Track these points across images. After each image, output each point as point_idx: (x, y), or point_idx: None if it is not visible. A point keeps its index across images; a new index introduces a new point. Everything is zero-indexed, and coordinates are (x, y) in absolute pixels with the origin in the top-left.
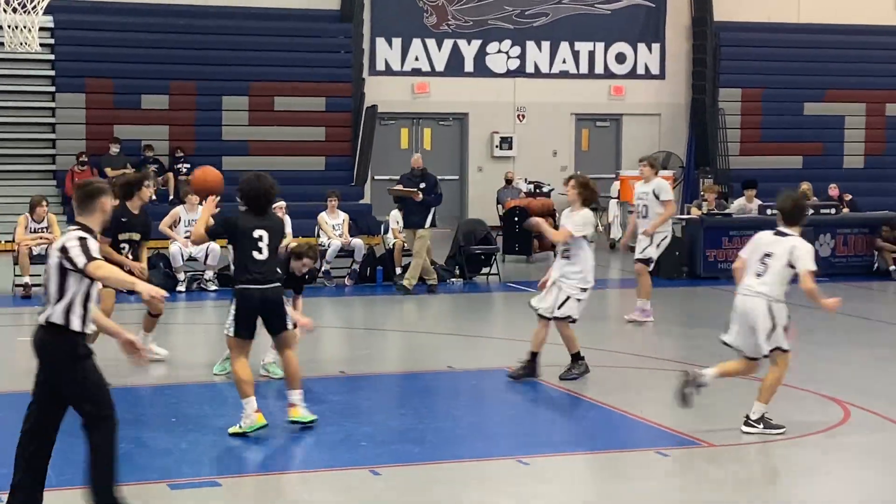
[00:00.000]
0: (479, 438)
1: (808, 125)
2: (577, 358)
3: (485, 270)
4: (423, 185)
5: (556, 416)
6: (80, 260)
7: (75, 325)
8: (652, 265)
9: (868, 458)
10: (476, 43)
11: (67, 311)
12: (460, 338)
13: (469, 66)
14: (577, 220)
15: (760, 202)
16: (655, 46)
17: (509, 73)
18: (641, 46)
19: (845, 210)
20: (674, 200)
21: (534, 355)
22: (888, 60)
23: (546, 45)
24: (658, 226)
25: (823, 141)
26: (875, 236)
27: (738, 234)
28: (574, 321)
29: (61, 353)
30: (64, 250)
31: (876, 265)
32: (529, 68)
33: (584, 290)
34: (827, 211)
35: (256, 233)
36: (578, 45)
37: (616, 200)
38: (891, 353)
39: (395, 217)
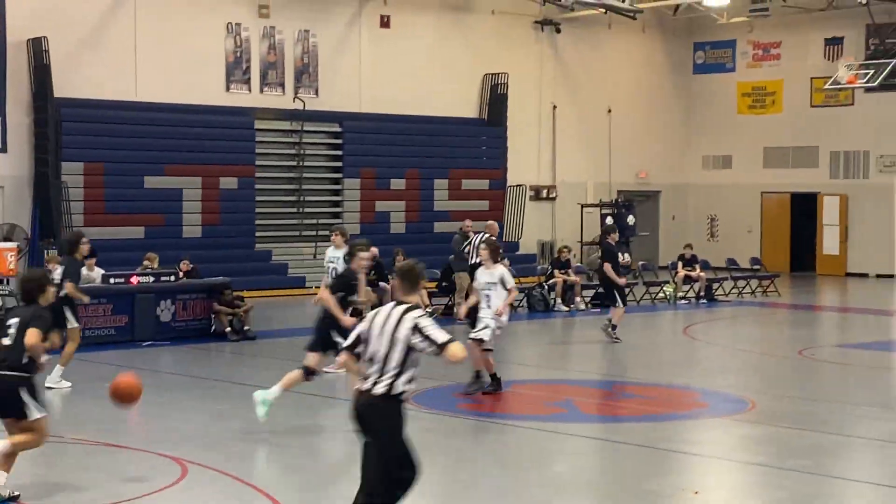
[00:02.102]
0: None
1: (150, 197)
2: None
3: None
4: None
5: None
6: (441, 339)
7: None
8: None
9: None
10: None
11: (407, 381)
12: None
13: None
14: None
15: (103, 271)
16: None
17: None
18: None
19: (184, 278)
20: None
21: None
22: (220, 137)
23: None
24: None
25: (164, 212)
26: (212, 300)
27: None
28: None
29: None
30: (418, 329)
31: (213, 327)
32: None
33: None
34: (167, 278)
35: None
36: None
37: None
38: (230, 408)
39: None
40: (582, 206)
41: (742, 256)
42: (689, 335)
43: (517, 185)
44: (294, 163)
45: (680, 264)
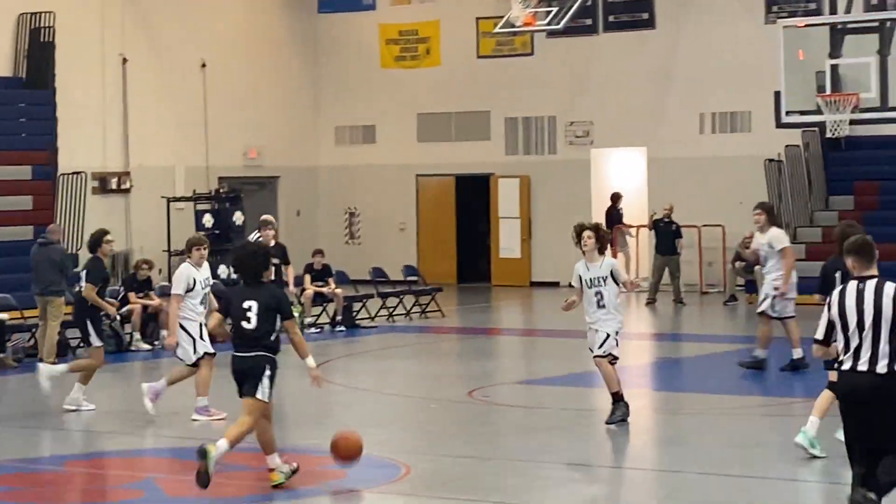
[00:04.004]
0: None
1: None
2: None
3: None
4: None
5: None
6: None
7: None
8: None
9: None
10: None
11: None
12: None
13: None
14: None
15: None
16: None
17: None
18: None
19: None
20: None
21: None
22: None
23: None
24: None
25: None
26: None
27: None
28: None
29: None
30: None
31: None
32: None
33: None
34: None
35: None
36: None
37: None
38: None
39: None
40: (169, 201)
41: (393, 265)
42: (322, 376)
43: (74, 173)
44: None
45: (308, 278)
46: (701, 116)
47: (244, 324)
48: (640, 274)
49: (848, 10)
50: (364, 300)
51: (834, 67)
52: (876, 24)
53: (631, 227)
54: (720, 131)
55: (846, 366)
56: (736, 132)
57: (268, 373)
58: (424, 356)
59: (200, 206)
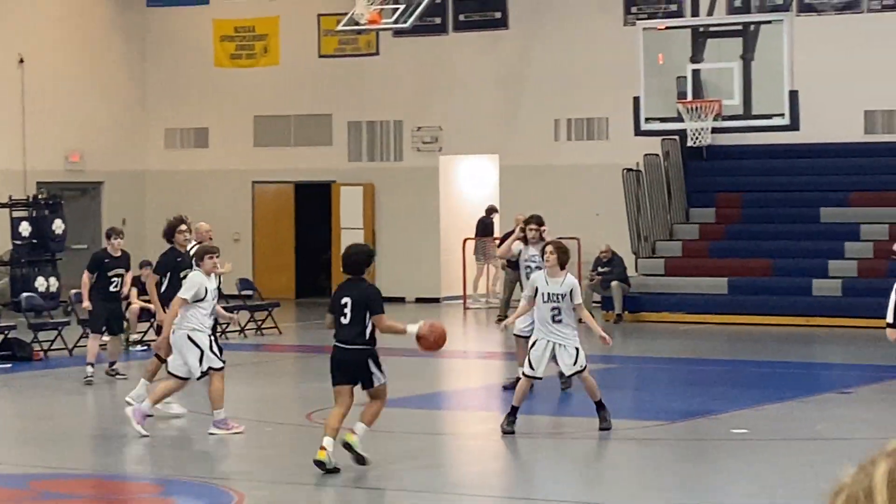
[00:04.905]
0: None
1: None
2: None
3: None
4: None
5: None
6: None
7: None
8: None
9: None
10: None
11: None
12: None
13: None
14: None
15: None
16: None
17: None
18: None
19: None
20: None
21: None
22: None
23: None
24: None
25: None
26: None
27: None
28: None
29: None
30: None
31: None
32: None
33: None
34: None
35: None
36: None
37: None
38: None
39: None
40: None
41: (227, 278)
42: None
43: None
44: None
45: (134, 292)
46: (556, 123)
47: (342, 319)
48: (490, 290)
49: (710, 13)
50: None
51: (695, 72)
52: (739, 27)
53: (487, 238)
54: (576, 138)
55: None
56: (593, 139)
57: (371, 361)
58: (260, 376)
59: (17, 213)
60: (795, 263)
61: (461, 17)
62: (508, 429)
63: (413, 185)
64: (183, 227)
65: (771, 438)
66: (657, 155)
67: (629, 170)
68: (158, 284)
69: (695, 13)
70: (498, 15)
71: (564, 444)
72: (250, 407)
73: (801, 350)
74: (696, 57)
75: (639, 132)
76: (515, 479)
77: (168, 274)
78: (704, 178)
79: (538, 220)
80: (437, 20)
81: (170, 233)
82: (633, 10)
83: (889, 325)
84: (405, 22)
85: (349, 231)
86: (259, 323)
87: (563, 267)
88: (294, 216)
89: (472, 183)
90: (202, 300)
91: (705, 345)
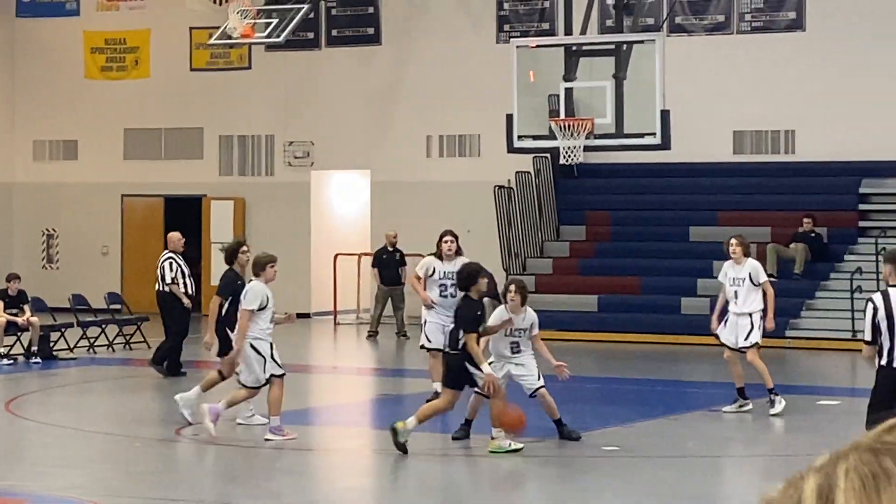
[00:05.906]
0: None
1: None
2: None
3: None
4: None
5: None
6: None
7: None
8: None
9: None
10: None
11: None
12: None
13: None
14: None
15: None
16: None
17: None
18: None
19: None
20: None
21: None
22: None
23: None
24: None
25: None
26: None
27: None
28: None
29: None
30: None
31: None
32: None
33: None
34: None
35: None
36: None
37: None
38: None
39: None
40: None
41: (95, 291)
42: (14, 411)
43: None
44: None
45: (0, 306)
46: (428, 139)
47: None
48: (361, 305)
49: (583, 32)
50: (63, 329)
51: (568, 91)
52: (612, 46)
53: (352, 254)
54: (448, 155)
55: None
56: (465, 156)
57: (467, 366)
58: (129, 391)
59: None
60: (664, 281)
61: (334, 33)
62: (457, 435)
63: (284, 199)
64: (245, 248)
65: (642, 455)
66: (529, 172)
67: (501, 187)
68: (220, 306)
69: (568, 32)
70: (371, 31)
71: (437, 462)
72: (119, 421)
73: (670, 368)
74: (568, 75)
75: (511, 149)
76: (381, 497)
77: (230, 297)
78: (575, 196)
79: (453, 234)
80: (310, 35)
81: (232, 255)
82: (506, 27)
83: (867, 343)
84: (278, 36)
85: (219, 245)
86: (127, 337)
87: (524, 303)
88: (163, 230)
89: (343, 198)
90: (263, 308)
91: (575, 362)
